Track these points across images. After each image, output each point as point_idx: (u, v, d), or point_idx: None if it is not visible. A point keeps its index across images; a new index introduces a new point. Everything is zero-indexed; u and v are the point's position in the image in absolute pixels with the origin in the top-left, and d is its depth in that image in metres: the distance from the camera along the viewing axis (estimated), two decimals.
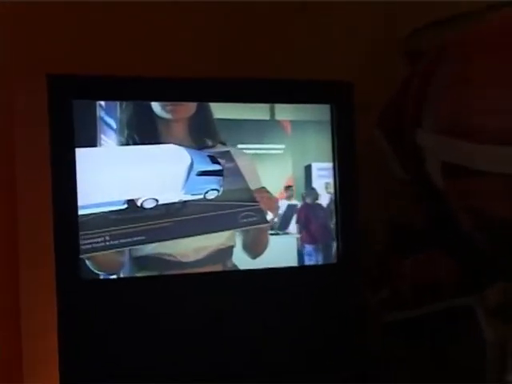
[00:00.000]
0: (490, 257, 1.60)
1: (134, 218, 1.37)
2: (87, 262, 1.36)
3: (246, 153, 1.48)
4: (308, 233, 1.55)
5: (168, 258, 1.47)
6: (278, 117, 1.53)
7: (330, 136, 1.59)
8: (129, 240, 1.37)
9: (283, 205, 1.51)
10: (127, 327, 1.48)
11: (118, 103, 1.48)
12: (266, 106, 1.54)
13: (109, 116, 1.48)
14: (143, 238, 1.39)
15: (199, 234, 1.44)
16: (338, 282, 1.60)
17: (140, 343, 1.49)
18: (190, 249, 1.49)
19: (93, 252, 1.34)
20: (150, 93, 1.52)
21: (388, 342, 1.67)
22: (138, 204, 1.38)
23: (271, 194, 1.56)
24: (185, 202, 1.42)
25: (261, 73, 1.58)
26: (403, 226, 1.78)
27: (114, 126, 1.49)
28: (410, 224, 1.77)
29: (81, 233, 1.34)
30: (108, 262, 1.38)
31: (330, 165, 1.58)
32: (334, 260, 1.60)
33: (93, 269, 1.37)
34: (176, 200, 1.42)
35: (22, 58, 1.56)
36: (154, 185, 1.40)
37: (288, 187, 1.58)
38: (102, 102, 1.47)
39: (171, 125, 1.49)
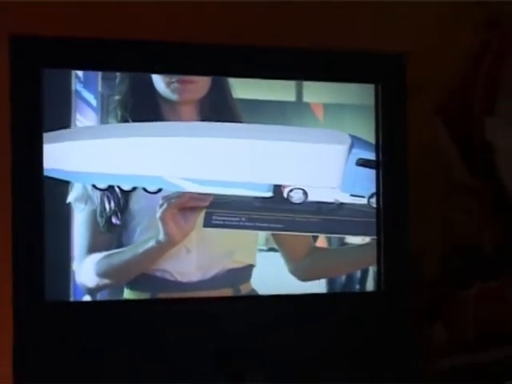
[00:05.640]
0: None
1: (278, 209, 1.24)
2: None
3: None
4: None
5: (163, 275, 1.21)
6: (306, 98, 1.29)
7: (373, 125, 1.29)
8: (265, 225, 1.24)
9: None
10: (95, 365, 1.19)
11: (99, 74, 1.22)
12: (291, 85, 1.29)
13: (87, 90, 1.22)
14: (281, 226, 1.24)
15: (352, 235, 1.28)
16: (380, 314, 1.31)
17: None
18: (194, 267, 1.22)
19: (220, 228, 1.21)
20: (146, 62, 1.22)
21: None
22: (285, 195, 1.21)
23: None
24: (341, 204, 1.25)
25: (289, 41, 1.26)
26: (466, 247, 1.43)
27: (94, 103, 1.22)
28: (475, 245, 1.42)
29: (216, 210, 1.21)
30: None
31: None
32: (375, 288, 1.32)
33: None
34: (331, 200, 1.25)
35: None
36: (303, 170, 1.22)
37: None
38: (80, 72, 1.21)
39: (177, 108, 1.23)
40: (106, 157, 1.17)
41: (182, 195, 1.19)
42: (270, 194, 1.23)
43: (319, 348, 1.25)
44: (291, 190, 1.24)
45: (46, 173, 1.16)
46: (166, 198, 1.18)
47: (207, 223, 1.20)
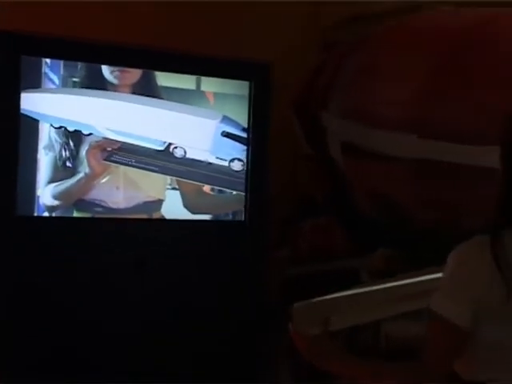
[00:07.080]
0: (376, 228, 1.82)
1: (164, 159, 1.70)
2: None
3: None
4: None
5: (101, 203, 1.73)
6: (203, 88, 1.81)
7: (247, 109, 1.84)
8: (145, 166, 1.70)
9: None
10: (51, 263, 1.70)
11: (62, 62, 1.72)
12: (193, 78, 1.82)
13: (53, 73, 1.71)
14: (156, 169, 1.71)
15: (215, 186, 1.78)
16: (245, 238, 1.86)
17: (68, 281, 1.71)
18: (121, 198, 1.72)
19: (116, 163, 1.69)
20: (95, 56, 1.73)
21: (287, 295, 1.85)
22: (171, 150, 1.68)
23: None
24: (210, 163, 1.74)
25: (195, 48, 1.79)
26: (307, 195, 2.03)
27: (57, 82, 1.71)
28: (312, 194, 2.00)
29: (117, 152, 1.68)
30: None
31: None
32: (243, 218, 1.86)
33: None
34: (202, 158, 1.74)
35: None
36: (186, 134, 1.70)
37: None
38: (48, 60, 1.71)
39: (117, 89, 1.73)
40: (61, 107, 1.67)
41: (101, 140, 1.69)
42: (161, 148, 1.72)
43: (197, 257, 1.82)
44: (175, 147, 1.73)
45: (22, 111, 1.65)
46: (90, 142, 1.69)
47: (107, 158, 1.70)
